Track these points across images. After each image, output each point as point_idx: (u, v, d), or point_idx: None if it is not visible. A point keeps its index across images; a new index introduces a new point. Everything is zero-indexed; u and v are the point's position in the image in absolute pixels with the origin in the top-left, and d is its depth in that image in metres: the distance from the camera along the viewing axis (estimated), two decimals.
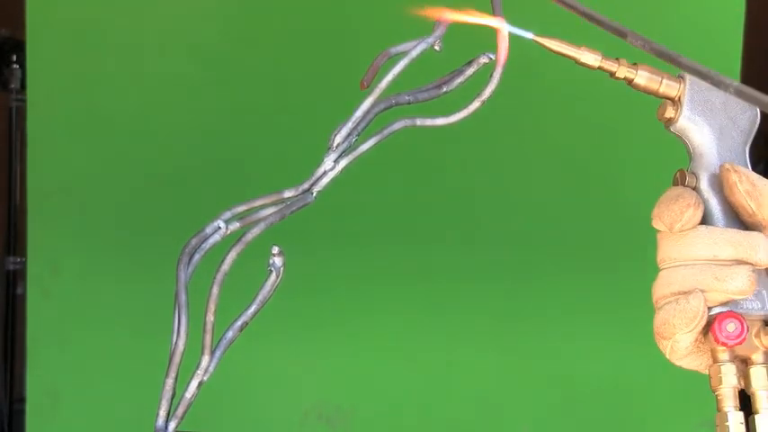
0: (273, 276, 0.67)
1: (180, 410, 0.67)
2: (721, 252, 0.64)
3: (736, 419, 0.66)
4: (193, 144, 2.16)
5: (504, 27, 0.65)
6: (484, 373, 2.19)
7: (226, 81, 2.16)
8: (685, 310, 0.64)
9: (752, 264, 0.64)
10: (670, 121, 0.69)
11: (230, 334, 0.68)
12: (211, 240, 0.67)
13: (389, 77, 0.64)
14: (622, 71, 0.69)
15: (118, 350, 2.16)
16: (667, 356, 0.68)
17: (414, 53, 0.64)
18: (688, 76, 0.68)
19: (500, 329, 2.18)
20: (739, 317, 0.64)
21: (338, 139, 0.66)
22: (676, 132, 0.69)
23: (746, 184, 0.65)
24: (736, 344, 0.64)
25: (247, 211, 0.67)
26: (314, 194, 0.67)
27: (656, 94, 0.69)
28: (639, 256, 2.18)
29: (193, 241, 0.67)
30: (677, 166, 0.71)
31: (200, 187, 2.12)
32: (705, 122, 0.68)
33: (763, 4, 2.39)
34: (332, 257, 2.16)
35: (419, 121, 0.66)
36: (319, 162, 0.66)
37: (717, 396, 0.66)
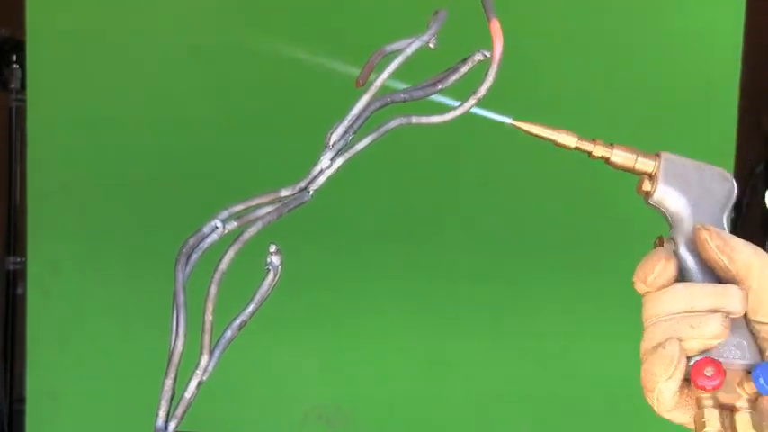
0: (271, 275, 0.67)
1: (179, 410, 0.67)
2: (697, 303, 0.68)
3: None
4: (193, 144, 2.16)
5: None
6: (484, 372, 2.20)
7: (225, 81, 2.16)
8: (662, 356, 0.68)
9: (727, 312, 0.67)
10: (648, 195, 0.73)
11: (229, 333, 0.67)
12: (209, 240, 0.67)
13: (385, 75, 0.64)
14: (599, 151, 0.73)
15: (117, 350, 2.16)
16: (655, 409, 0.70)
17: (408, 51, 0.64)
18: (663, 154, 0.72)
19: (501, 329, 2.18)
20: (716, 362, 0.66)
21: (334, 137, 0.66)
22: (654, 204, 0.73)
23: (717, 240, 0.69)
24: (715, 387, 0.66)
25: (244, 210, 0.67)
26: (310, 193, 0.67)
27: (632, 171, 0.73)
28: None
29: (191, 241, 0.67)
30: None
31: (199, 187, 2.12)
32: (681, 194, 0.72)
33: (763, 4, 2.39)
34: (331, 257, 2.16)
35: (415, 119, 0.66)
36: (316, 161, 0.66)
37: None
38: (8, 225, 2.72)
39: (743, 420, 0.67)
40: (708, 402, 0.67)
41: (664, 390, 0.68)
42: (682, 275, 0.71)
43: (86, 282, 2.18)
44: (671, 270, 0.69)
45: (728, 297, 0.67)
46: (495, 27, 0.65)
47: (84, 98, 2.16)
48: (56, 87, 2.16)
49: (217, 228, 0.67)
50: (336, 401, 2.19)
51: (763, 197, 2.65)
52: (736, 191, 0.72)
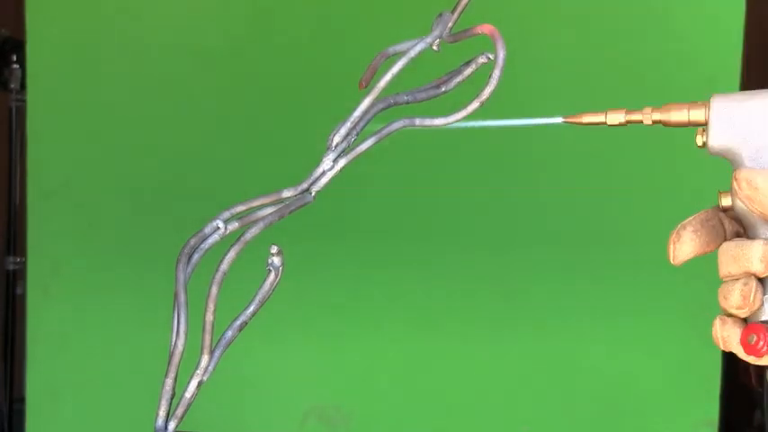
0: (272, 276, 0.67)
1: (180, 410, 0.67)
2: (732, 269, 0.68)
3: None
4: (193, 144, 2.16)
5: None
6: (484, 373, 2.19)
7: (226, 81, 2.16)
8: (715, 333, 0.69)
9: (753, 273, 0.67)
10: (705, 146, 0.71)
11: (229, 333, 0.67)
12: (210, 240, 0.67)
13: (388, 77, 0.64)
14: (648, 118, 0.72)
15: (117, 350, 2.16)
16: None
17: (412, 53, 0.64)
18: (713, 98, 0.70)
19: (501, 330, 2.18)
20: (757, 327, 0.67)
21: (337, 138, 0.66)
22: (714, 154, 0.71)
23: (747, 189, 0.68)
24: (764, 353, 0.67)
25: (246, 211, 0.67)
26: (313, 194, 0.66)
27: (687, 125, 0.72)
28: (639, 258, 2.18)
29: (192, 241, 0.67)
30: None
31: (199, 187, 2.12)
32: (733, 137, 0.70)
33: (763, 3, 2.39)
34: (332, 258, 2.16)
35: (418, 121, 0.66)
36: (318, 162, 0.66)
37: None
38: (8, 225, 2.71)
39: None
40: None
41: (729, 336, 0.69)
42: (744, 228, 0.70)
43: (86, 282, 2.18)
44: (695, 246, 0.69)
45: (749, 259, 0.67)
46: (493, 31, 0.65)
47: (84, 98, 2.16)
48: (56, 87, 2.16)
49: (218, 228, 0.67)
50: (336, 401, 2.19)
51: None
52: None
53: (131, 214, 2.17)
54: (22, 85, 2.62)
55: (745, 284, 0.67)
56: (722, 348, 0.69)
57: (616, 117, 0.72)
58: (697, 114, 0.71)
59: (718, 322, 0.69)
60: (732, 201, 0.70)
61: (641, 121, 0.72)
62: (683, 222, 0.70)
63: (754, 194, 0.67)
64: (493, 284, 2.17)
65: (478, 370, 2.19)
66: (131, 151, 2.16)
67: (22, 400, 2.39)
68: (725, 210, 0.71)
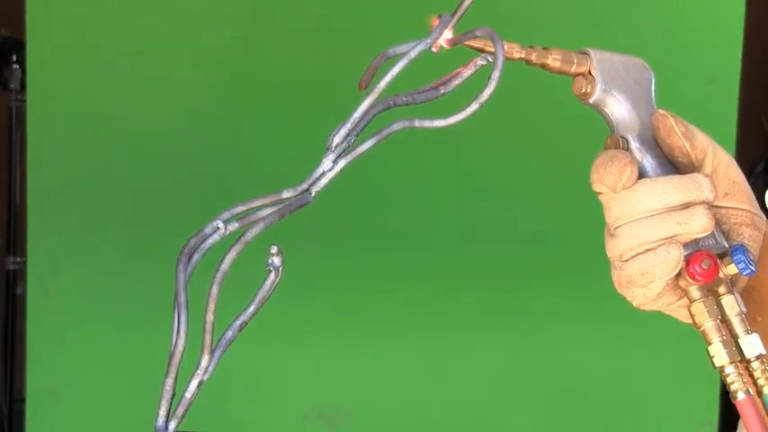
0: (273, 276, 0.67)
1: (180, 410, 0.67)
2: (671, 199, 0.67)
3: (728, 346, 0.69)
4: (193, 144, 2.16)
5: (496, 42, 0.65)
6: (484, 373, 2.20)
7: (225, 82, 2.17)
8: (667, 260, 0.67)
9: (702, 201, 0.67)
10: (587, 95, 0.71)
11: (230, 333, 0.67)
12: (210, 240, 0.67)
13: (388, 78, 0.64)
14: (538, 57, 0.70)
15: (117, 350, 2.16)
16: (636, 304, 0.70)
17: (412, 54, 0.64)
18: (591, 51, 0.70)
19: (501, 331, 2.18)
20: (710, 253, 0.67)
21: (337, 139, 0.66)
22: (594, 103, 0.71)
23: (681, 126, 0.69)
24: (713, 278, 0.67)
25: (246, 211, 0.67)
26: (313, 195, 0.66)
27: (569, 74, 0.71)
28: None
29: (192, 241, 0.67)
30: None
31: (200, 188, 2.12)
32: (619, 90, 0.71)
33: (763, 3, 2.39)
34: (333, 258, 2.16)
35: (417, 123, 0.66)
36: (318, 162, 0.66)
37: (703, 330, 0.69)
38: (8, 225, 2.71)
39: (729, 303, 0.68)
40: (698, 294, 0.68)
41: (654, 287, 0.68)
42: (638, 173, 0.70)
43: (86, 282, 2.18)
44: (636, 173, 0.68)
45: (699, 186, 0.67)
46: (492, 33, 0.65)
47: (84, 98, 2.16)
48: (56, 87, 2.16)
49: (218, 228, 0.66)
50: (336, 401, 2.19)
51: (763, 197, 2.65)
52: (654, 78, 0.72)
53: (131, 214, 2.17)
54: (22, 85, 2.62)
55: (708, 208, 0.67)
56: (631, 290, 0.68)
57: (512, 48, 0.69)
58: (581, 65, 0.70)
59: (678, 247, 0.66)
60: (632, 146, 0.70)
61: (530, 61, 0.69)
62: (626, 160, 0.68)
63: (686, 131, 0.69)
64: (494, 286, 2.17)
65: (478, 370, 2.20)
66: (131, 151, 2.16)
67: (22, 399, 2.39)
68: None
